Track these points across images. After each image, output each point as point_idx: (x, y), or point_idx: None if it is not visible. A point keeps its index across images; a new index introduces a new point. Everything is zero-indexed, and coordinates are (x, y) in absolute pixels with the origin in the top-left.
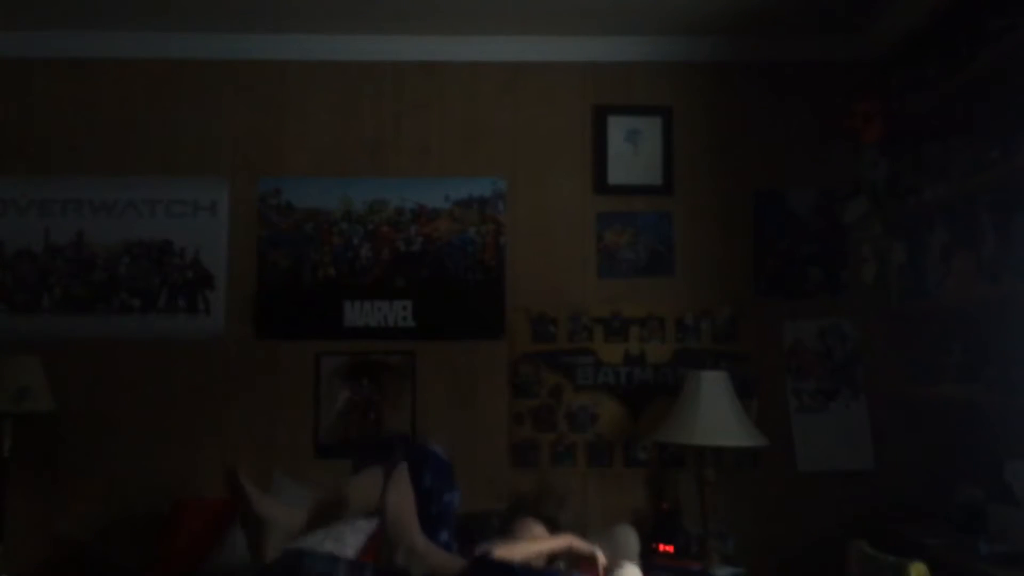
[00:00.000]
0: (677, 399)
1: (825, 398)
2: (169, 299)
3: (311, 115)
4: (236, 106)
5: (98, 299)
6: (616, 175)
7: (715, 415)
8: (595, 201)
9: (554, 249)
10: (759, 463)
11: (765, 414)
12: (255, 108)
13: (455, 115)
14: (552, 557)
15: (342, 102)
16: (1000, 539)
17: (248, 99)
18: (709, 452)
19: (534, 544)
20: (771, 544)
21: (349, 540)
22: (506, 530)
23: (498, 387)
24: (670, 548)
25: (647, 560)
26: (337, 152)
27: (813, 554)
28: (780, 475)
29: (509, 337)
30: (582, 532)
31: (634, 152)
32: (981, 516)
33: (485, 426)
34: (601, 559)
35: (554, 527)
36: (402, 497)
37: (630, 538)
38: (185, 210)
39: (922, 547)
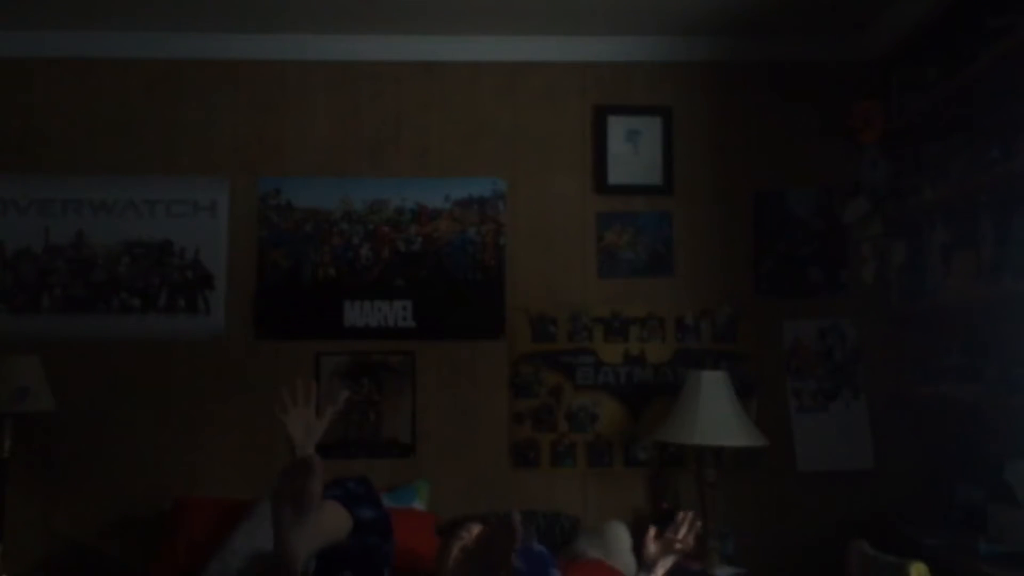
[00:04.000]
0: (677, 399)
1: (825, 398)
2: (169, 299)
3: (311, 115)
4: (236, 106)
5: (98, 299)
6: (616, 175)
7: (715, 415)
8: (595, 201)
9: (554, 249)
10: (759, 463)
11: (765, 414)
12: (255, 108)
13: (455, 115)
14: None
15: (342, 102)
16: (1000, 539)
17: (248, 99)
18: (709, 452)
19: None
20: (771, 544)
21: None
22: None
23: (498, 387)
24: None
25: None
26: (337, 152)
27: (813, 554)
28: (780, 475)
29: (509, 337)
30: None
31: (634, 152)
32: (981, 516)
33: (485, 426)
34: None
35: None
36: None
37: (621, 534)
38: (185, 210)
39: (922, 547)
